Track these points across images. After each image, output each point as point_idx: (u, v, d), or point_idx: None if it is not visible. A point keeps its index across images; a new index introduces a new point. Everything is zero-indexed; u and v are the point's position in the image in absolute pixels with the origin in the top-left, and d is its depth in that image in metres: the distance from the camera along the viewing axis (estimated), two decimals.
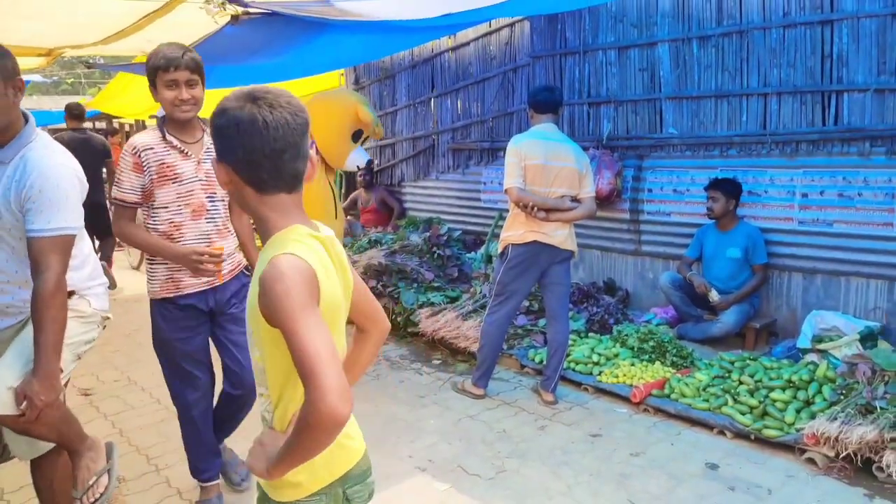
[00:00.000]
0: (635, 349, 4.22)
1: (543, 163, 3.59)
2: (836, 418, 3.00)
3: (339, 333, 1.38)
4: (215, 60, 4.95)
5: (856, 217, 4.18)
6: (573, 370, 4.11)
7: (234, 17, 3.66)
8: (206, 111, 2.24)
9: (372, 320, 1.56)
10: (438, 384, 4.17)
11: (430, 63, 7.00)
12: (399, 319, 5.09)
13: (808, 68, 4.27)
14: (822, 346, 3.89)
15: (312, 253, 1.26)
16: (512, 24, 6.07)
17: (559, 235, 3.66)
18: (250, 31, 4.05)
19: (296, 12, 3.70)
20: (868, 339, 3.90)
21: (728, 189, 4.52)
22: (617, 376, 3.94)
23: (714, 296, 4.47)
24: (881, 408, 2.98)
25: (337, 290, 1.34)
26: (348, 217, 7.83)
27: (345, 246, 6.19)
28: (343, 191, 8.29)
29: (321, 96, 4.40)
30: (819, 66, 4.22)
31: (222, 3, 3.59)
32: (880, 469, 2.84)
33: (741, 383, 3.55)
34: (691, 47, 4.82)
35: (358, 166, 4.52)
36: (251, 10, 3.63)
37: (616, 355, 4.18)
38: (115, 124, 12.95)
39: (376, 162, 8.00)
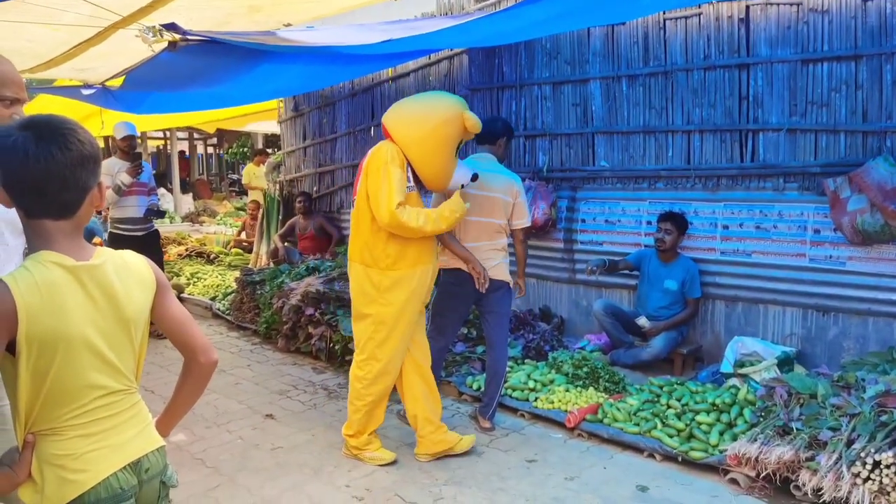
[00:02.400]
0: (570, 375, 4.33)
1: (474, 192, 3.64)
2: (756, 440, 3.16)
3: (83, 368, 1.35)
4: (149, 86, 4.89)
5: (772, 248, 4.44)
6: (510, 396, 4.17)
7: (172, 44, 3.62)
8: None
9: (190, 351, 1.56)
10: None
11: (370, 92, 7.07)
12: (337, 348, 5.04)
13: (727, 108, 4.55)
14: (743, 371, 4.09)
15: (33, 280, 1.27)
16: (451, 57, 6.22)
17: (487, 264, 3.67)
18: (189, 58, 4.01)
19: (235, 39, 3.70)
20: (785, 363, 4.13)
21: (680, 223, 4.70)
22: (552, 402, 4.02)
23: (643, 321, 4.64)
24: (797, 429, 3.16)
25: (76, 322, 1.32)
26: (286, 244, 7.75)
27: (280, 273, 6.11)
28: (280, 217, 8.23)
29: (413, 103, 3.37)
30: (737, 106, 4.51)
31: (159, 31, 3.55)
32: (797, 488, 3.00)
33: (669, 407, 3.69)
34: (621, 85, 5.06)
35: (462, 185, 3.47)
36: (189, 37, 3.61)
37: (552, 381, 4.27)
38: None
39: (315, 188, 7.97)
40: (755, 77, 4.41)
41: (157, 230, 5.99)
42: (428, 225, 3.23)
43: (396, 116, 3.34)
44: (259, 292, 5.97)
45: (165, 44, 3.69)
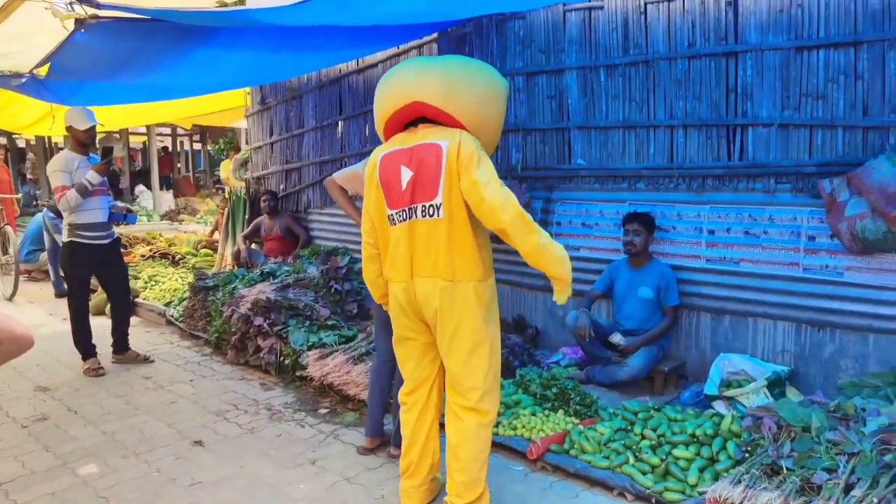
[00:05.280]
0: (538, 396, 3.90)
1: None
2: (740, 481, 2.73)
3: None
4: (76, 75, 4.44)
5: (762, 256, 4.02)
6: None
7: (80, 21, 3.18)
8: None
9: None
10: (320, 438, 3.71)
11: (338, 84, 6.63)
12: (287, 362, 4.62)
13: (713, 101, 4.12)
14: (729, 393, 3.67)
15: None
16: (420, 46, 5.79)
17: None
18: (108, 40, 3.57)
19: (149, 6, 3.22)
20: (775, 384, 3.71)
21: (648, 222, 4.31)
22: (515, 428, 3.59)
23: (618, 339, 4.21)
24: (787, 468, 2.74)
25: None
26: (252, 246, 7.32)
27: (234, 278, 5.66)
28: (246, 217, 7.79)
29: (470, 75, 2.66)
30: (724, 99, 4.08)
31: (71, 2, 3.10)
32: None
33: (644, 437, 3.26)
34: (599, 76, 4.63)
35: None
36: (101, 12, 3.16)
37: (517, 403, 3.84)
38: None
39: (281, 187, 7.53)
40: (744, 66, 3.98)
41: (119, 237, 5.32)
42: (546, 237, 2.59)
43: (459, 91, 2.57)
44: (211, 299, 5.53)
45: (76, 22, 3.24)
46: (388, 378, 3.49)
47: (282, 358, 4.65)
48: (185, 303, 6.04)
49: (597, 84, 4.65)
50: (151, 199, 15.92)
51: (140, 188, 16.55)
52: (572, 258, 4.74)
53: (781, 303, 3.96)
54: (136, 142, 22.25)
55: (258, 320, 4.76)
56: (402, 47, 5.87)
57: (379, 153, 2.76)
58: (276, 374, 4.71)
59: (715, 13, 4.05)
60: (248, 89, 7.88)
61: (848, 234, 3.52)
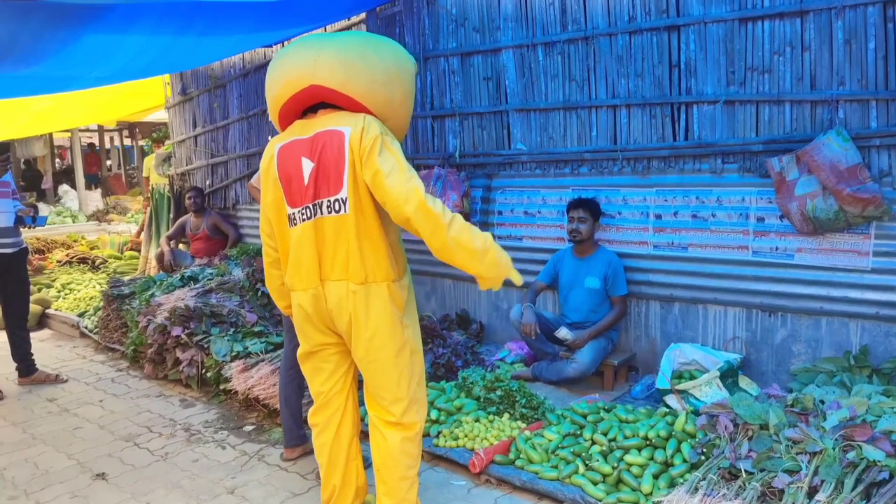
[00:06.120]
0: (481, 399, 3.62)
1: None
2: (697, 488, 2.51)
3: None
4: None
5: (710, 240, 3.82)
6: None
7: None
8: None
9: None
10: (242, 461, 3.34)
11: (263, 71, 6.16)
12: (210, 375, 4.21)
13: (656, 78, 3.89)
14: (680, 387, 3.47)
15: None
16: (349, 27, 5.40)
17: None
18: None
19: None
20: (728, 374, 3.53)
21: (593, 208, 4.06)
22: (457, 437, 3.30)
23: (564, 333, 3.97)
24: (747, 471, 2.53)
25: None
26: (180, 246, 6.82)
27: (152, 284, 5.18)
28: (171, 216, 7.27)
29: (379, 43, 2.42)
30: (667, 75, 3.86)
31: None
32: None
33: (594, 443, 3.01)
34: (537, 54, 4.35)
35: None
36: None
37: (460, 408, 3.55)
38: None
39: (207, 182, 7.03)
40: (686, 40, 3.76)
41: (27, 247, 4.73)
42: (457, 229, 2.20)
43: (360, 72, 2.29)
44: (126, 308, 5.05)
45: None
46: (297, 389, 3.23)
47: (204, 371, 4.24)
48: (100, 313, 5.53)
49: (535, 63, 4.37)
50: (77, 199, 14.98)
51: (64, 188, 15.56)
52: (515, 248, 4.60)
53: (732, 288, 3.78)
54: (61, 138, 21.00)
55: (176, 330, 4.32)
56: (329, 28, 5.47)
57: (275, 144, 2.41)
58: (198, 388, 4.30)
59: None
60: (166, 78, 7.33)
61: (798, 215, 3.34)
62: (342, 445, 2.56)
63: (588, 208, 4.04)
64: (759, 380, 3.71)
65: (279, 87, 2.37)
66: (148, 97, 8.14)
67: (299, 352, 2.58)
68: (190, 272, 5.16)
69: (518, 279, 2.35)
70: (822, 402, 2.83)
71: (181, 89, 7.25)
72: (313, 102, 2.38)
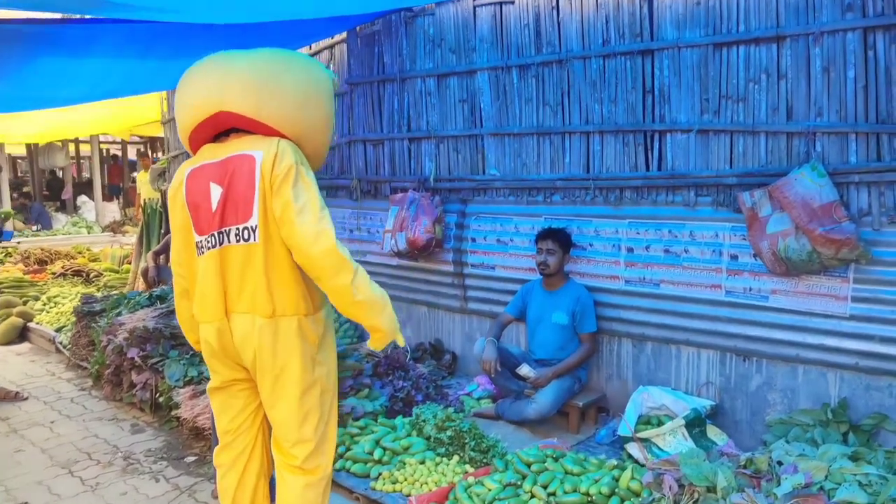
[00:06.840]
0: (431, 439, 3.42)
1: None
2: None
3: None
4: None
5: (683, 277, 3.59)
6: (348, 472, 3.25)
7: None
8: None
9: None
10: (172, 496, 3.18)
11: None
12: (162, 400, 4.08)
13: (629, 104, 3.70)
14: (642, 435, 3.23)
15: None
16: (331, 47, 5.32)
17: None
18: None
19: None
20: (696, 423, 3.28)
21: (563, 240, 3.87)
22: (396, 480, 3.10)
23: (525, 371, 3.75)
24: None
25: None
26: (168, 263, 6.75)
27: (122, 301, 5.09)
28: (163, 230, 7.22)
29: (292, 61, 2.26)
30: (640, 101, 3.66)
31: None
32: None
33: (533, 496, 2.79)
34: (511, 77, 4.18)
35: None
36: None
37: (407, 448, 3.35)
38: None
39: None
40: (660, 65, 3.56)
41: None
42: (362, 276, 2.13)
43: (272, 95, 2.15)
44: (94, 325, 4.98)
45: None
46: None
47: (157, 395, 4.11)
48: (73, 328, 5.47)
49: (509, 86, 4.21)
50: (94, 210, 15.20)
51: (82, 199, 15.82)
52: (487, 277, 4.41)
53: (705, 329, 3.54)
54: (86, 150, 21.45)
55: (132, 352, 4.22)
56: (314, 47, 5.39)
57: (185, 169, 2.27)
58: (151, 412, 4.18)
59: (629, 7, 3.63)
60: (163, 94, 7.34)
61: (770, 254, 3.10)
62: (246, 490, 2.39)
63: (557, 239, 3.84)
64: (733, 429, 3.45)
65: (185, 111, 2.25)
66: (150, 111, 8.18)
67: (209, 386, 2.43)
68: (160, 290, 5.07)
69: (402, 342, 2.27)
70: (780, 463, 2.57)
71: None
72: (225, 128, 2.26)
